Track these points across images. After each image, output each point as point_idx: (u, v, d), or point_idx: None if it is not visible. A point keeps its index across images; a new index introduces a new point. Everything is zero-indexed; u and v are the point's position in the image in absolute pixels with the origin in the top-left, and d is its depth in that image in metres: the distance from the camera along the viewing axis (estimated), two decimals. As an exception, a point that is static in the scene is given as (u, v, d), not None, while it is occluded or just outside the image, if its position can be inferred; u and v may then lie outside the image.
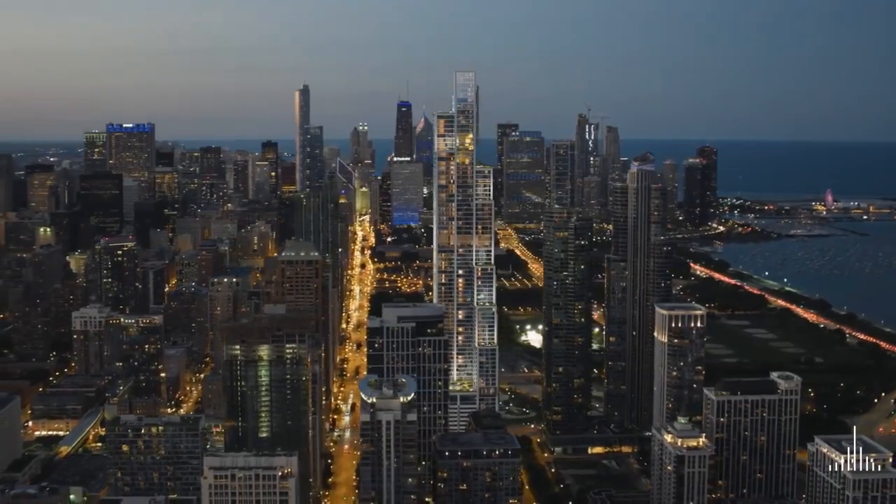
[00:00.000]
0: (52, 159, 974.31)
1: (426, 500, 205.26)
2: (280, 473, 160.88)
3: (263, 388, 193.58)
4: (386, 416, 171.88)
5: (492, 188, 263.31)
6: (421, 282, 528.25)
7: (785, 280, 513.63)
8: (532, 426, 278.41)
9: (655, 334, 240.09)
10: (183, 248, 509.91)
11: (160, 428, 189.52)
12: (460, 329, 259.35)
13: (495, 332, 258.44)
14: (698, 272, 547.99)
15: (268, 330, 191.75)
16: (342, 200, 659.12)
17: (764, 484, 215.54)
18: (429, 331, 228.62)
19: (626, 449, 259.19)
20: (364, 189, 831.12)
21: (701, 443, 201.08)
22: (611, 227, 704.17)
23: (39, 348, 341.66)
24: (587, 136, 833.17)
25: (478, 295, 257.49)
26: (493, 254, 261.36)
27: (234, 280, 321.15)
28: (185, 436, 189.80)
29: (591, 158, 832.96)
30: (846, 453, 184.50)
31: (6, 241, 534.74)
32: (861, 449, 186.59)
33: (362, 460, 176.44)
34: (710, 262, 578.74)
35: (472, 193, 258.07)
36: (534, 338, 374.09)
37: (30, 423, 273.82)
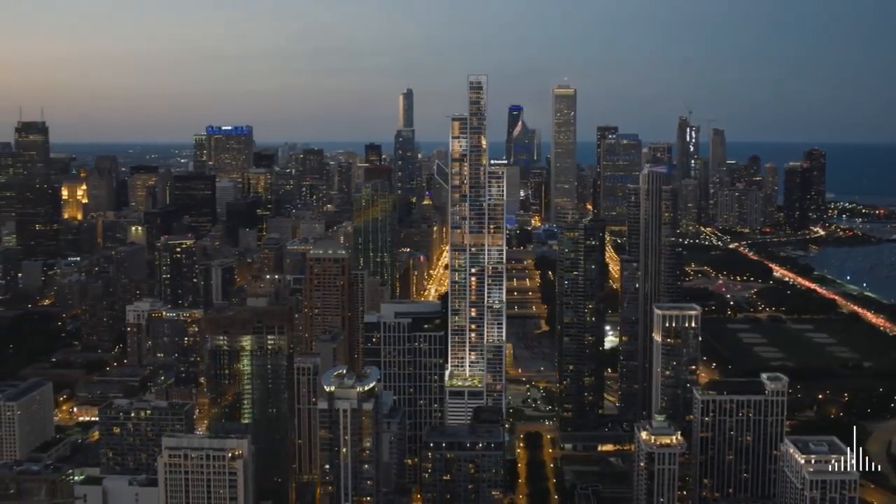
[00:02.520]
0: (176, 160, 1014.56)
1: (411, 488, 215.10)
2: (230, 455, 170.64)
3: (245, 377, 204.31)
4: (343, 405, 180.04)
5: (505, 189, 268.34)
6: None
7: (864, 285, 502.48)
8: (548, 423, 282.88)
9: (653, 334, 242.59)
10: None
11: (148, 412, 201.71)
12: (473, 326, 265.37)
13: (504, 330, 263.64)
14: (779, 275, 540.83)
15: (249, 322, 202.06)
16: (426, 202, 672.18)
17: (750, 484, 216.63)
18: (425, 326, 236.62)
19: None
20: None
21: (674, 441, 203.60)
22: (707, 229, 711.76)
23: (105, 340, 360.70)
24: (688, 139, 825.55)
25: (488, 293, 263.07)
26: (504, 253, 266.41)
27: (277, 277, 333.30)
28: (171, 420, 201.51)
29: (692, 161, 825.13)
30: (808, 454, 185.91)
31: (103, 238, 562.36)
32: (826, 450, 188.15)
33: (321, 447, 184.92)
34: (795, 265, 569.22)
35: (485, 193, 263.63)
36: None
37: (75, 409, 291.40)
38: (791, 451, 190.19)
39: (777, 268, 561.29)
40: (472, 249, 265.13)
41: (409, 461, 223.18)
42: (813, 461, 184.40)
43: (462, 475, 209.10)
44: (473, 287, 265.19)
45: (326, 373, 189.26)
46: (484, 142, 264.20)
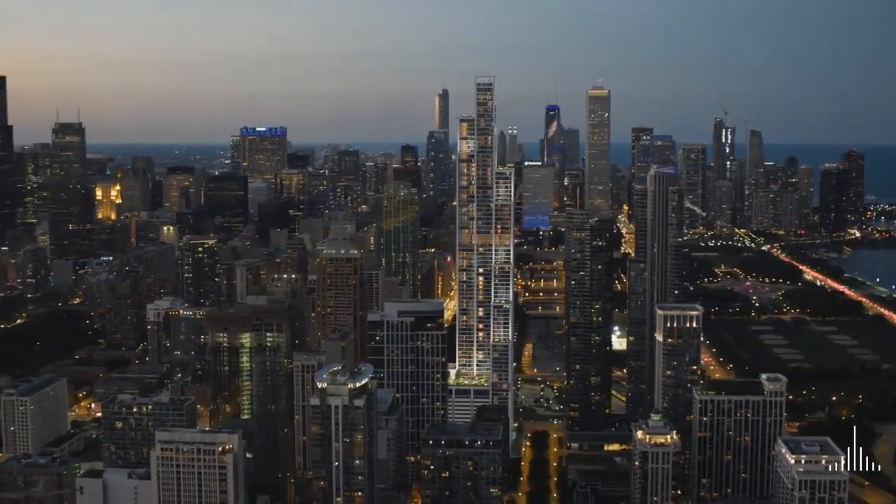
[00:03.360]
0: (220, 160, 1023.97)
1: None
2: (220, 449, 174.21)
3: (245, 373, 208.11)
4: (335, 401, 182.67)
5: (513, 189, 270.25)
6: (523, 283, 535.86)
7: (894, 287, 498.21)
8: (557, 423, 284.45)
9: (655, 334, 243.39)
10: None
11: (149, 407, 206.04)
12: (480, 326, 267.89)
13: (510, 330, 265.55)
14: (809, 277, 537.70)
15: (248, 319, 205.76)
16: (455, 203, 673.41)
17: (748, 484, 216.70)
18: (428, 325, 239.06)
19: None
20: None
21: (668, 440, 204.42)
22: (741, 231, 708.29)
23: (128, 338, 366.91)
24: (723, 140, 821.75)
25: (495, 293, 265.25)
26: (512, 253, 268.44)
27: (294, 277, 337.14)
28: (171, 415, 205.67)
29: (728, 162, 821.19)
30: (799, 454, 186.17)
31: (136, 238, 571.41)
32: (817, 450, 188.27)
33: (313, 442, 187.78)
34: (826, 267, 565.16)
35: (492, 194, 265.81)
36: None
37: (92, 406, 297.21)
38: (783, 451, 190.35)
39: (807, 270, 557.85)
40: (480, 250, 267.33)
41: (412, 458, 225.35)
42: (803, 461, 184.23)
43: (461, 472, 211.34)
44: (481, 287, 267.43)
45: (321, 370, 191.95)
46: (491, 142, 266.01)
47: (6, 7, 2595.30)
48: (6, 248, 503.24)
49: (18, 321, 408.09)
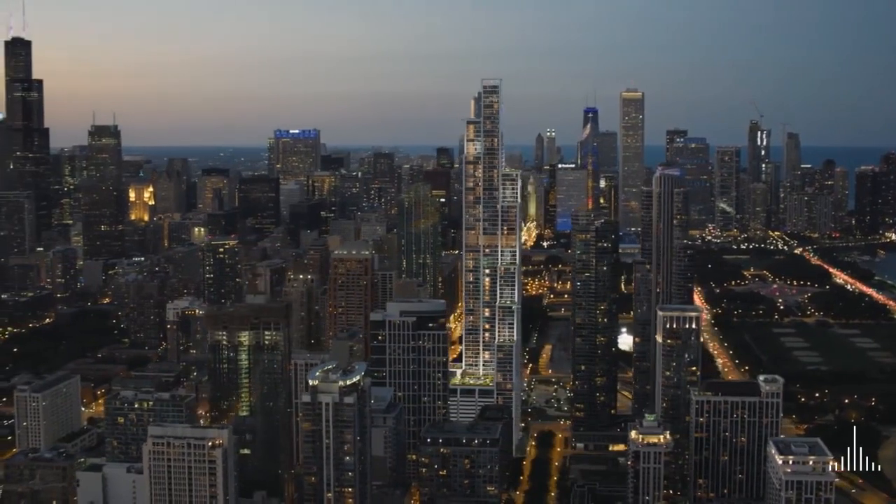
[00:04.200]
0: (263, 162, 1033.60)
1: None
2: (210, 444, 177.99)
3: (244, 371, 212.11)
4: (325, 398, 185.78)
5: (519, 191, 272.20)
6: (549, 284, 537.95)
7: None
8: (564, 423, 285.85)
9: (656, 335, 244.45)
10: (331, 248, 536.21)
11: (150, 403, 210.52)
12: (486, 326, 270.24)
13: (515, 330, 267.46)
14: (839, 281, 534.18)
15: (247, 318, 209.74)
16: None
17: (744, 484, 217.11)
18: (429, 325, 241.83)
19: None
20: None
21: (661, 440, 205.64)
22: (775, 234, 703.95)
23: (151, 337, 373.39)
24: (759, 143, 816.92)
25: (500, 294, 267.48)
26: (518, 254, 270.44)
27: (310, 277, 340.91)
28: (171, 411, 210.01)
29: (763, 165, 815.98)
30: (786, 455, 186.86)
31: (169, 240, 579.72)
32: (806, 451, 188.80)
33: (304, 438, 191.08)
34: (856, 270, 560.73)
35: (498, 196, 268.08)
36: (623, 340, 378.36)
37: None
38: (773, 452, 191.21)
39: (837, 272, 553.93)
40: (486, 251, 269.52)
41: (413, 457, 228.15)
42: (791, 462, 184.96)
43: (458, 470, 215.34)
44: (487, 287, 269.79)
45: (315, 367, 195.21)
46: (497, 144, 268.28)
47: (44, 11, 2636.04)
48: (41, 249, 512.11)
49: (47, 320, 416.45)
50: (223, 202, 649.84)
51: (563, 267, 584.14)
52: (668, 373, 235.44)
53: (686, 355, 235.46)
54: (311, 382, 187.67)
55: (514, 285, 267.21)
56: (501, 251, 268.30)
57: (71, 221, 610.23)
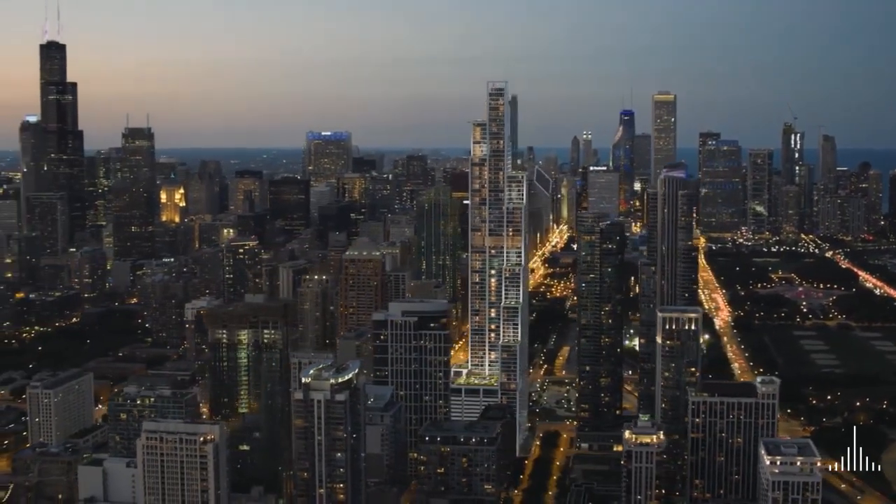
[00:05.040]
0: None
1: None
2: (202, 439, 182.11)
3: (243, 369, 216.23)
4: (317, 396, 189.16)
5: (525, 193, 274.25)
6: (573, 286, 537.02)
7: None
8: (570, 423, 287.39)
9: (656, 336, 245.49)
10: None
11: (152, 399, 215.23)
12: (492, 327, 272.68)
13: (519, 331, 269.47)
14: (866, 284, 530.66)
15: (246, 317, 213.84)
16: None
17: (740, 485, 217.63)
18: (431, 325, 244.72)
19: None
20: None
21: (654, 440, 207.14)
22: (808, 237, 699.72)
23: (173, 336, 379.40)
24: (792, 145, 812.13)
25: (506, 294, 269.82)
26: (524, 255, 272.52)
27: (325, 278, 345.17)
28: (172, 407, 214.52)
29: (797, 167, 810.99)
30: (774, 456, 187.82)
31: (199, 241, 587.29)
32: (795, 452, 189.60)
33: (297, 435, 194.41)
34: (885, 274, 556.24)
35: (504, 197, 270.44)
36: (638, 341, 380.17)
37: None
38: (762, 452, 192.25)
39: (867, 276, 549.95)
40: (492, 251, 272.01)
41: (414, 455, 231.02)
42: (778, 462, 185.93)
43: (455, 469, 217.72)
44: (493, 288, 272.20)
45: (309, 365, 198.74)
46: (503, 146, 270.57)
47: (79, 15, 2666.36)
48: (73, 250, 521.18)
49: (73, 320, 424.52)
50: (254, 204, 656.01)
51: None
52: (667, 374, 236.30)
53: (686, 356, 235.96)
54: (303, 380, 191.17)
55: (518, 286, 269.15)
56: (507, 252, 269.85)
57: (104, 223, 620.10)
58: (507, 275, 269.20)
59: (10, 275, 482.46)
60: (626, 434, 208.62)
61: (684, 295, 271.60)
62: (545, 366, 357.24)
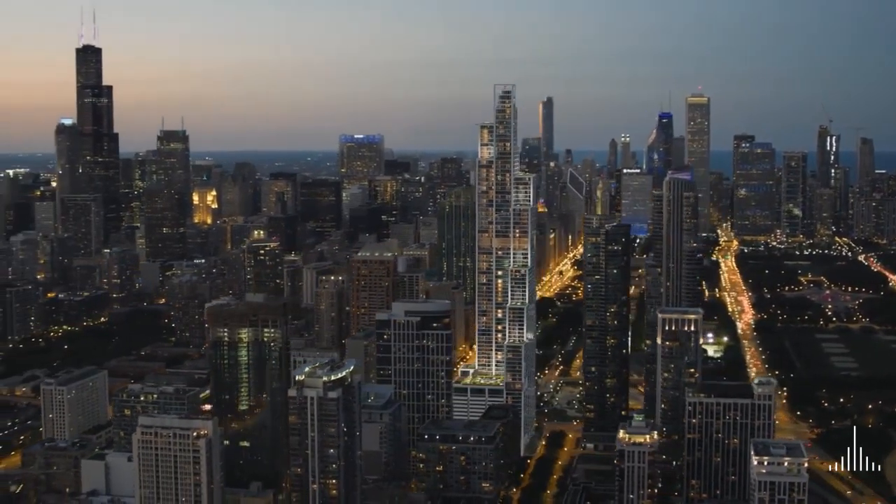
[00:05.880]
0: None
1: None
2: (195, 434, 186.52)
3: (243, 366, 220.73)
4: (310, 393, 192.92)
5: (532, 195, 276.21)
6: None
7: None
8: (577, 423, 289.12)
9: (657, 338, 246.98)
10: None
11: (154, 395, 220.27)
12: (499, 327, 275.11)
13: (524, 331, 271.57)
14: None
15: (246, 315, 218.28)
16: (541, 209, 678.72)
17: (736, 486, 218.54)
18: (433, 325, 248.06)
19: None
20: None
21: (647, 440, 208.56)
22: (843, 240, 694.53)
23: (196, 335, 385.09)
24: (828, 148, 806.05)
25: (512, 295, 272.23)
26: (530, 256, 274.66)
27: (341, 279, 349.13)
28: (174, 403, 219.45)
29: (832, 170, 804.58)
30: (763, 456, 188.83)
31: (231, 242, 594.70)
32: (783, 452, 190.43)
33: (291, 431, 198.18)
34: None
35: (511, 199, 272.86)
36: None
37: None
38: (751, 453, 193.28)
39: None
40: (499, 253, 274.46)
41: (415, 453, 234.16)
42: (766, 463, 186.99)
43: (454, 467, 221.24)
44: (500, 289, 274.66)
45: (305, 364, 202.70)
46: (510, 148, 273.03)
47: (114, 19, 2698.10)
48: (108, 251, 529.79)
49: (101, 319, 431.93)
50: (286, 206, 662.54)
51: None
52: (666, 374, 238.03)
53: (686, 357, 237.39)
54: (297, 377, 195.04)
55: (524, 287, 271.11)
56: (514, 253, 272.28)
57: (139, 224, 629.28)
58: (514, 276, 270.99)
59: (42, 275, 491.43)
60: (620, 434, 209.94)
61: (689, 296, 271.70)
62: (561, 367, 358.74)
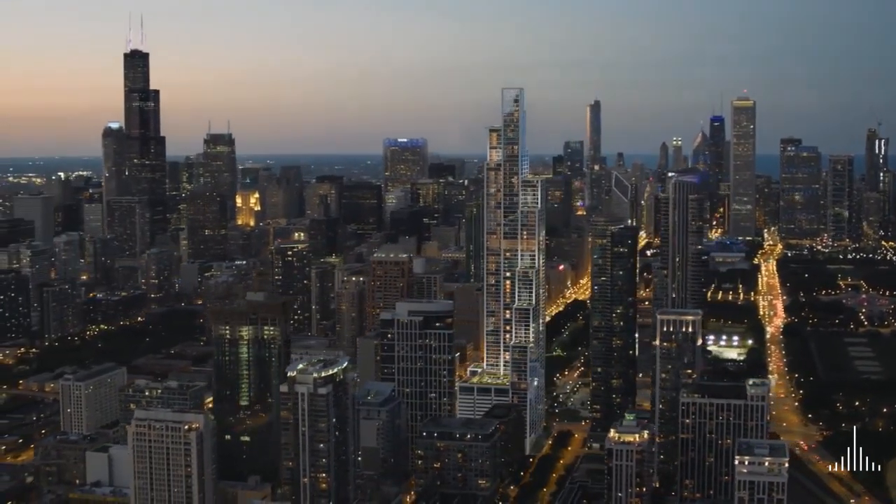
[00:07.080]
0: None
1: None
2: (186, 427, 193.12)
3: (244, 363, 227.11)
4: (301, 389, 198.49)
5: (540, 197, 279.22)
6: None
7: None
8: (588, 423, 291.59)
9: (655, 339, 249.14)
10: (427, 255, 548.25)
11: (158, 391, 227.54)
12: (507, 328, 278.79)
13: (531, 332, 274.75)
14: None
15: (247, 314, 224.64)
16: (579, 212, 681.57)
17: (729, 486, 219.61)
18: (436, 324, 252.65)
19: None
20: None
21: (636, 438, 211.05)
22: (889, 244, 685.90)
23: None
24: (876, 151, 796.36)
25: (518, 296, 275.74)
26: (538, 258, 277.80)
27: (362, 280, 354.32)
28: (178, 399, 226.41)
29: (881, 174, 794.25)
30: (745, 455, 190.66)
31: (273, 244, 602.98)
32: (766, 452, 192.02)
33: (283, 427, 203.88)
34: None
35: (519, 202, 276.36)
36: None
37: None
38: (735, 453, 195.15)
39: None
40: (507, 254, 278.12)
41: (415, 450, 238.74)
42: (746, 462, 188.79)
43: (451, 464, 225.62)
44: (507, 290, 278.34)
45: (297, 360, 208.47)
46: (518, 151, 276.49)
47: (161, 24, 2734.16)
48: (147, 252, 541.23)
49: (138, 319, 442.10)
50: (329, 208, 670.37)
51: (648, 276, 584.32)
52: (664, 375, 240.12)
53: (684, 358, 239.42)
54: (288, 374, 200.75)
55: (531, 288, 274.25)
56: (521, 255, 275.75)
57: (184, 226, 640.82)
58: (521, 277, 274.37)
59: (86, 276, 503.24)
60: (611, 433, 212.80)
61: (694, 298, 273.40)
62: (582, 368, 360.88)
